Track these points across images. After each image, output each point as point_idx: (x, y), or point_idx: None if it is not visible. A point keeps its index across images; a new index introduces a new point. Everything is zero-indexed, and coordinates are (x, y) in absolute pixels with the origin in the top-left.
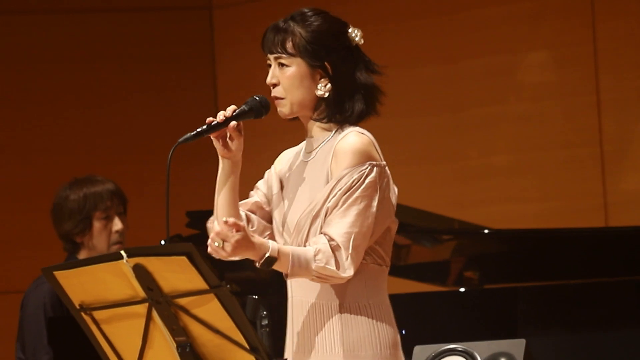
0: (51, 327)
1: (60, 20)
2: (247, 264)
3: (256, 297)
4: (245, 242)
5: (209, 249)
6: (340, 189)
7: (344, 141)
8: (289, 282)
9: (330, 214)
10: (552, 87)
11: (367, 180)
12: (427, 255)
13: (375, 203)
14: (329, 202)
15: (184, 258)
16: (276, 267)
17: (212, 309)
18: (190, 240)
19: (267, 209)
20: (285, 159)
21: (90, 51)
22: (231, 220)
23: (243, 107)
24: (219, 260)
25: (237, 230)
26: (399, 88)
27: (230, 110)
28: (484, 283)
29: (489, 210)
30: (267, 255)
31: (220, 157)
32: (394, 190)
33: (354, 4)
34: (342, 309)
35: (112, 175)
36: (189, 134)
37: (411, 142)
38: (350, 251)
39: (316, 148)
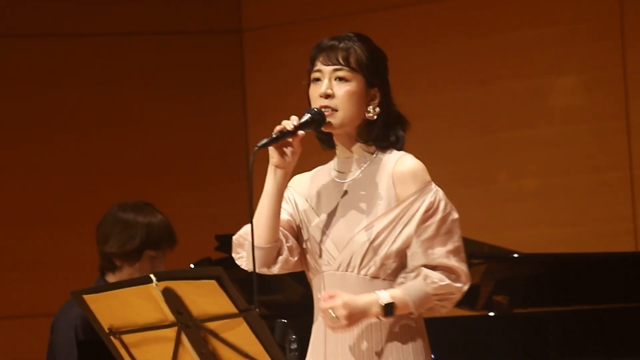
0: (81, 351)
1: (88, 43)
2: (275, 287)
3: (285, 320)
4: (352, 304)
5: (328, 322)
6: (421, 211)
7: (402, 165)
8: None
9: (420, 239)
10: (582, 111)
11: (442, 200)
12: None
13: (457, 215)
14: (408, 226)
15: (214, 282)
16: (398, 310)
17: (241, 333)
18: (220, 263)
19: (294, 228)
20: (306, 182)
21: (119, 75)
22: (323, 294)
23: (306, 117)
24: (248, 284)
25: (334, 298)
26: (429, 111)
27: (295, 120)
28: (513, 307)
29: (519, 234)
30: (384, 304)
31: (273, 167)
32: None
33: (383, 26)
34: (388, 324)
35: (139, 199)
36: (265, 140)
37: (441, 165)
38: (457, 258)
39: (359, 168)
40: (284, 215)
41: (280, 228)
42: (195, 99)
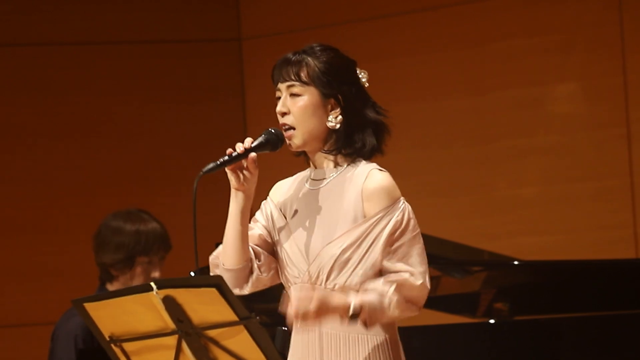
0: (81, 359)
1: (88, 52)
2: (276, 295)
3: (286, 328)
4: (326, 299)
5: (292, 316)
6: (387, 231)
7: (372, 181)
8: None
9: (390, 262)
10: (581, 119)
11: (411, 218)
12: (456, 286)
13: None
14: (374, 246)
15: (214, 290)
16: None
17: (241, 341)
18: None
19: (269, 241)
20: (284, 190)
21: (119, 83)
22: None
23: (260, 139)
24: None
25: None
26: (428, 120)
27: (248, 142)
28: (513, 314)
29: (519, 242)
30: (351, 309)
31: (233, 190)
32: None
33: (380, 35)
34: (362, 341)
35: (141, 207)
36: (211, 165)
37: (440, 174)
38: (420, 269)
39: (328, 178)
40: (257, 230)
41: (253, 245)
42: (194, 107)
